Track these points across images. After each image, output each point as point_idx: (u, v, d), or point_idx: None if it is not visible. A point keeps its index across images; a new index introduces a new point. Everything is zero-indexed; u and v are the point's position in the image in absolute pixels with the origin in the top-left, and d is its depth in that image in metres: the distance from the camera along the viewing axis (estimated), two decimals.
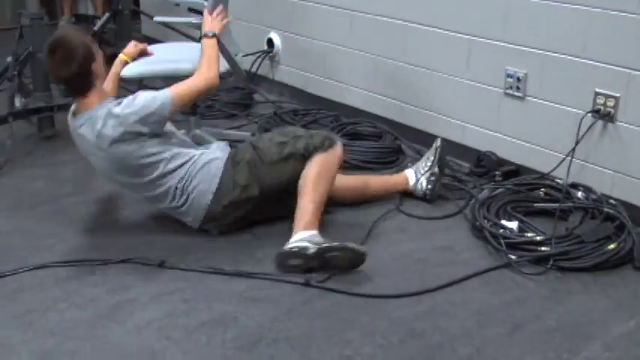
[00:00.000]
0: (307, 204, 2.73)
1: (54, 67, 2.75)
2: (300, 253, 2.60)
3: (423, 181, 3.19)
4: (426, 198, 3.19)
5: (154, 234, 2.90)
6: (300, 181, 2.79)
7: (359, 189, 3.10)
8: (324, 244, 2.60)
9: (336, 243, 2.61)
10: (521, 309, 2.44)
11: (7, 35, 4.87)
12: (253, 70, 4.67)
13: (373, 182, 3.19)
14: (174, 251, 2.77)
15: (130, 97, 2.79)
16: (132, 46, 3.36)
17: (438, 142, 3.26)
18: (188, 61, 3.31)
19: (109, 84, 3.13)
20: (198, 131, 3.57)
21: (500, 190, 3.11)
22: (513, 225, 2.83)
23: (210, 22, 3.15)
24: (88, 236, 2.89)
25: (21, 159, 3.65)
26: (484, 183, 3.29)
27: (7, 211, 3.10)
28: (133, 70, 3.30)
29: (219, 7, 3.20)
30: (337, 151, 2.86)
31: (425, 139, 3.72)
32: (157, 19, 3.37)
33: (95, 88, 2.81)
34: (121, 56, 3.30)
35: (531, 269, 2.65)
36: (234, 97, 4.42)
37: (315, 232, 2.68)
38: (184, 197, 2.83)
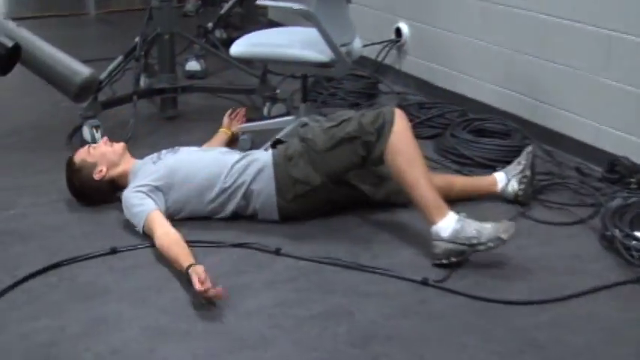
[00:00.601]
0: (418, 192, 2.65)
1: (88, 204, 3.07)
2: (459, 260, 2.59)
3: (514, 182, 3.05)
4: (517, 200, 3.07)
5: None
6: (395, 179, 2.74)
7: (442, 189, 2.87)
8: (481, 246, 2.55)
9: (489, 237, 2.55)
10: None
11: (136, 16, 5.02)
12: (379, 59, 4.64)
13: (458, 183, 3.10)
14: (291, 239, 2.79)
15: (127, 197, 2.87)
16: (225, 118, 3.63)
17: (530, 148, 3.16)
18: (294, 46, 3.33)
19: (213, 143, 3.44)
20: (306, 119, 3.55)
21: (634, 198, 2.97)
22: None
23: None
24: (204, 218, 2.92)
25: (143, 137, 3.75)
26: (617, 190, 3.16)
27: None
28: (239, 49, 3.38)
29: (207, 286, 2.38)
30: (399, 121, 2.74)
31: (556, 139, 3.61)
32: (259, 2, 3.43)
33: (117, 178, 3.02)
34: (222, 130, 3.58)
35: None
36: (358, 86, 4.40)
37: (448, 218, 2.60)
38: (251, 208, 2.89)
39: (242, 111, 3.73)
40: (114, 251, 2.70)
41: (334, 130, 2.81)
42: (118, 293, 2.46)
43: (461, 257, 2.58)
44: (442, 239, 2.59)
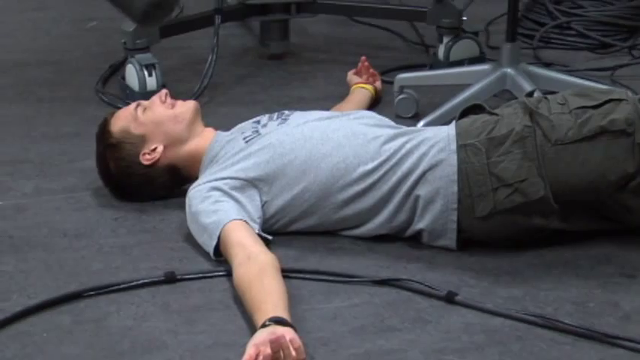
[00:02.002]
0: None
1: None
2: None
3: None
4: None
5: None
6: None
7: None
8: None
9: None
10: None
11: None
12: None
13: None
14: (474, 277, 2.81)
15: (195, 198, 2.94)
16: (350, 76, 3.84)
17: None
18: None
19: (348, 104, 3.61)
20: (511, 72, 3.59)
21: None
22: None
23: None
24: (327, 234, 2.99)
25: (228, 88, 3.85)
26: None
27: None
28: None
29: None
30: None
31: None
32: None
33: (182, 163, 3.13)
34: (359, 86, 3.75)
35: None
36: (610, 11, 4.41)
37: None
38: (413, 227, 2.94)
39: (364, 62, 3.79)
40: (171, 279, 2.75)
41: (590, 113, 2.84)
42: (174, 350, 2.47)
43: None
44: None
